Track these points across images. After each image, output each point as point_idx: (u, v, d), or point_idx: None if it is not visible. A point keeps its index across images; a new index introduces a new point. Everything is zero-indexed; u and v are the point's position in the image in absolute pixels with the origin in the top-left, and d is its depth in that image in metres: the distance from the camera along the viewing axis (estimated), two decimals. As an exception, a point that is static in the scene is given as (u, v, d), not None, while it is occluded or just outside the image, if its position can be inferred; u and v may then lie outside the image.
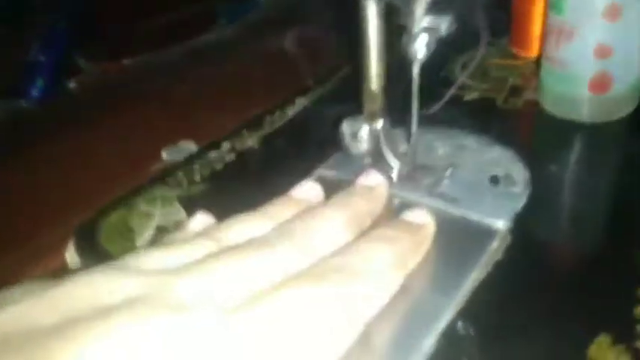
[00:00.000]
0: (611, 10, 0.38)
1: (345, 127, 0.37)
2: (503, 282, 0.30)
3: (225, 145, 0.48)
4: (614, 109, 0.43)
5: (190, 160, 0.46)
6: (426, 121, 0.40)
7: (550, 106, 0.46)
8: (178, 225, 0.37)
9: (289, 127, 0.50)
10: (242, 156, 0.46)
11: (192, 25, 0.79)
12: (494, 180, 0.37)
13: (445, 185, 0.37)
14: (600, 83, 0.41)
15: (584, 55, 0.40)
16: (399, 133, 0.39)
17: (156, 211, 0.39)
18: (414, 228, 0.30)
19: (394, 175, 0.38)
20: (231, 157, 0.46)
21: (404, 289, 0.26)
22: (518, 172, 0.38)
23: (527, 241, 0.32)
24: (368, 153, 0.38)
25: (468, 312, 0.27)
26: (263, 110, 0.53)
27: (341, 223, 0.27)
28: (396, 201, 0.37)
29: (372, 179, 0.33)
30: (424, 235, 0.30)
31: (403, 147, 0.39)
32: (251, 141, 0.48)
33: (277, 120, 0.51)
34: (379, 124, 0.37)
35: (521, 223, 0.33)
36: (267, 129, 0.50)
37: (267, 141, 0.48)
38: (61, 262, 0.37)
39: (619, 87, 0.41)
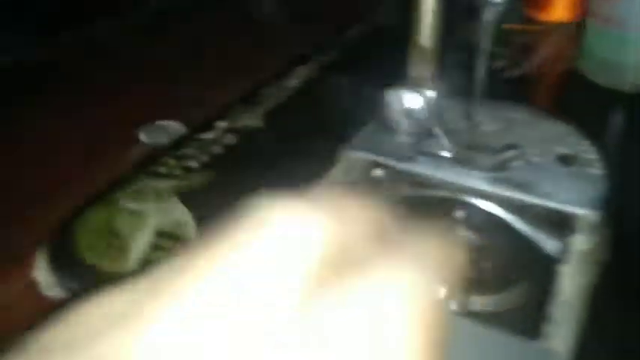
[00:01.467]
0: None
1: (392, 96, 0.29)
2: (615, 291, 0.24)
3: (221, 125, 0.39)
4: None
5: (179, 143, 0.38)
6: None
7: (595, 73, 0.40)
8: (182, 227, 0.29)
9: (295, 100, 0.42)
10: (246, 137, 0.38)
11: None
12: (564, 160, 0.31)
13: (510, 168, 0.31)
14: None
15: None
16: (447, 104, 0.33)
17: (149, 208, 0.31)
18: None
19: (449, 158, 0.31)
20: (230, 138, 0.38)
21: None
22: (587, 150, 0.32)
23: (630, 235, 0.27)
24: (413, 129, 0.31)
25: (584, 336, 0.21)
26: (256, 82, 0.45)
27: None
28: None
29: None
30: None
31: (453, 122, 0.32)
32: (252, 119, 0.40)
33: (277, 93, 0.43)
34: (430, 93, 0.30)
35: (615, 212, 0.28)
36: (267, 104, 0.42)
37: (271, 118, 0.40)
38: (26, 279, 0.28)
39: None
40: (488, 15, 0.27)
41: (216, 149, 0.37)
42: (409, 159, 0.32)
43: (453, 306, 0.36)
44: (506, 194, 0.29)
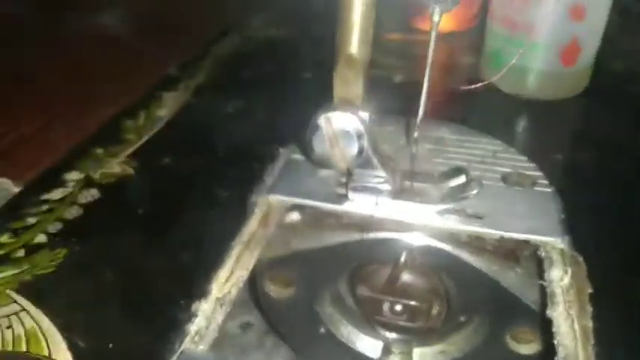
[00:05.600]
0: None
1: (322, 120, 0.23)
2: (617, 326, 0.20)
3: (73, 176, 0.29)
4: (576, 84, 0.37)
5: (15, 208, 0.26)
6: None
7: (501, 80, 0.38)
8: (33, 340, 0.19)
9: (171, 135, 0.33)
10: (111, 190, 0.28)
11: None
12: (509, 180, 0.28)
13: (463, 198, 0.26)
14: (570, 53, 0.35)
15: (558, 16, 0.33)
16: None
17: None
18: None
19: (389, 191, 0.25)
20: (90, 194, 0.27)
21: None
22: (527, 167, 0.29)
23: (603, 262, 0.23)
24: (344, 161, 0.24)
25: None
26: (113, 115, 0.35)
27: None
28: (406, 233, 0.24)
29: None
30: None
31: (385, 149, 0.27)
32: (116, 165, 0.30)
33: (146, 126, 0.34)
34: (363, 114, 0.24)
35: (582, 238, 0.24)
36: (132, 143, 0.32)
37: (143, 161, 0.30)
38: None
39: (584, 58, 0.36)
40: (436, 16, 0.22)
41: (70, 212, 0.26)
42: (341, 197, 0.26)
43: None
44: (461, 228, 0.25)
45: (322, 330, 0.31)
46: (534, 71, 0.36)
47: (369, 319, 0.30)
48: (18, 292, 0.21)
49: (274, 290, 0.29)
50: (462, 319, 0.29)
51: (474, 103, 0.39)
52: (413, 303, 0.28)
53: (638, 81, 0.37)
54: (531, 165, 0.29)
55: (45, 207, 0.26)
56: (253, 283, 0.29)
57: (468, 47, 0.42)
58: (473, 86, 0.27)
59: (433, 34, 0.22)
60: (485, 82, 0.26)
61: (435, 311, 0.29)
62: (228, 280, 0.22)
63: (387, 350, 0.31)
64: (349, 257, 0.27)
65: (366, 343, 0.31)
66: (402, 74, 0.40)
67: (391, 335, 0.30)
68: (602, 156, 0.29)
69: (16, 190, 0.28)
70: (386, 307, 0.29)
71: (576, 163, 0.30)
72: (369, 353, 0.31)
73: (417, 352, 0.30)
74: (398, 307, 0.29)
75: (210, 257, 0.23)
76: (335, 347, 0.30)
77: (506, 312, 0.27)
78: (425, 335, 0.30)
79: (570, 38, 0.34)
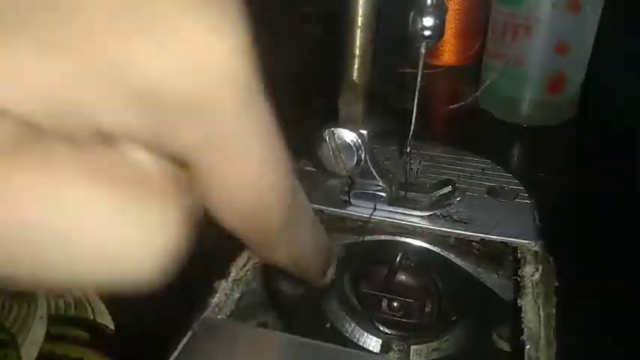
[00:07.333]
0: (572, 1, 0.35)
1: (328, 135, 0.27)
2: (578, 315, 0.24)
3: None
4: (563, 112, 0.41)
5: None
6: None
7: (497, 109, 0.42)
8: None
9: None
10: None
11: None
12: (493, 192, 0.31)
13: (447, 205, 0.30)
14: (556, 83, 0.39)
15: (545, 51, 0.37)
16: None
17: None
18: None
19: (386, 198, 0.29)
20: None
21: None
22: (511, 182, 0.33)
23: (571, 261, 0.27)
24: (347, 170, 0.29)
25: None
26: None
27: None
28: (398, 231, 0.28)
29: None
30: None
31: (383, 161, 0.31)
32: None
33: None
34: (363, 131, 0.28)
35: (554, 242, 0.28)
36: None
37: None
38: None
39: (570, 88, 0.39)
40: (422, 48, 0.26)
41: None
42: (344, 203, 0.30)
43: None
44: (447, 231, 0.28)
45: (328, 325, 0.34)
46: (524, 100, 0.40)
47: (370, 315, 0.33)
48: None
49: (287, 288, 0.33)
50: (453, 318, 0.32)
51: (472, 129, 0.43)
52: (408, 300, 0.32)
53: (621, 112, 0.41)
54: (515, 181, 0.33)
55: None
56: (268, 283, 0.33)
57: (469, 79, 0.46)
58: (459, 104, 0.31)
59: (420, 63, 0.27)
60: (468, 100, 0.30)
61: (428, 309, 0.32)
62: (245, 266, 0.26)
63: (386, 347, 0.34)
64: (352, 257, 0.31)
65: (368, 340, 0.34)
66: (410, 103, 0.45)
67: (390, 331, 0.33)
68: (580, 175, 0.33)
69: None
70: (384, 303, 0.33)
71: (557, 181, 0.34)
72: (370, 348, 0.34)
73: (413, 349, 0.34)
74: (395, 304, 0.32)
75: (229, 247, 0.27)
76: (339, 342, 0.33)
77: (492, 311, 0.30)
78: (420, 332, 0.33)
79: (556, 70, 0.38)
